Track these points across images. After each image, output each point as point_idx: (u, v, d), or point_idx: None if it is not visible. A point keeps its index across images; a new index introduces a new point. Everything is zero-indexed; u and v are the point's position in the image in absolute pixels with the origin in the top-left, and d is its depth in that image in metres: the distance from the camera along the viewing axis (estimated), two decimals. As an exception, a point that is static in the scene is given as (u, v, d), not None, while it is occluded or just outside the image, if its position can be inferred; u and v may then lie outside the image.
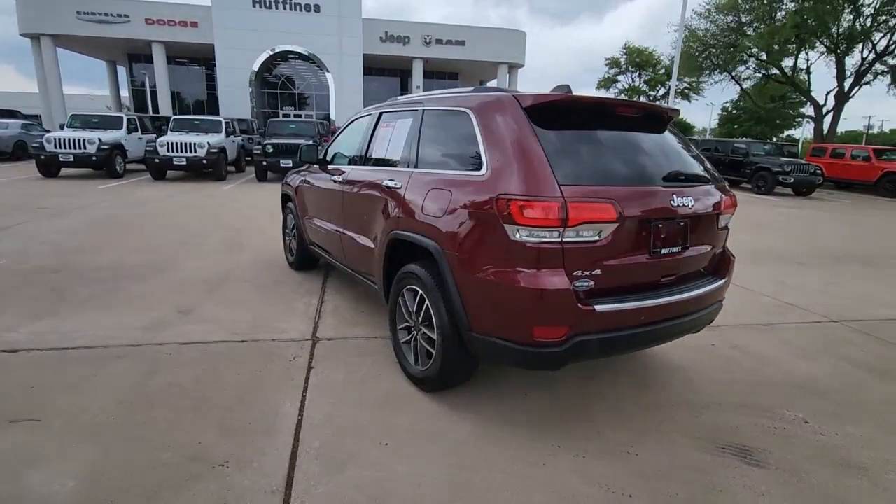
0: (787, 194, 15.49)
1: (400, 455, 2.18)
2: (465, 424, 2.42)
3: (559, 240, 2.02)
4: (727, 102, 40.17)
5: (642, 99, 35.32)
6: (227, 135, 13.76)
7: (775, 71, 23.41)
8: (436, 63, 37.95)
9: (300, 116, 34.84)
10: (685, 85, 31.42)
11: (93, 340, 3.17)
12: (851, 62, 21.54)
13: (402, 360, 2.86)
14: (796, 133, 46.46)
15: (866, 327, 3.99)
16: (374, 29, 33.73)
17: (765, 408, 2.70)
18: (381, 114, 3.41)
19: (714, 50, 22.96)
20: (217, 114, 31.57)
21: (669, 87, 32.75)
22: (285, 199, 5.17)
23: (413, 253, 2.75)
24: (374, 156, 3.32)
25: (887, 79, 21.35)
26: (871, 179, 17.21)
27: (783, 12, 20.37)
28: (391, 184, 2.88)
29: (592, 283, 2.11)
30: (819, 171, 15.57)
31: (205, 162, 12.32)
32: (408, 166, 2.86)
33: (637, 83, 33.44)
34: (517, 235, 2.06)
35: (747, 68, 24.39)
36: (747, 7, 20.96)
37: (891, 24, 18.89)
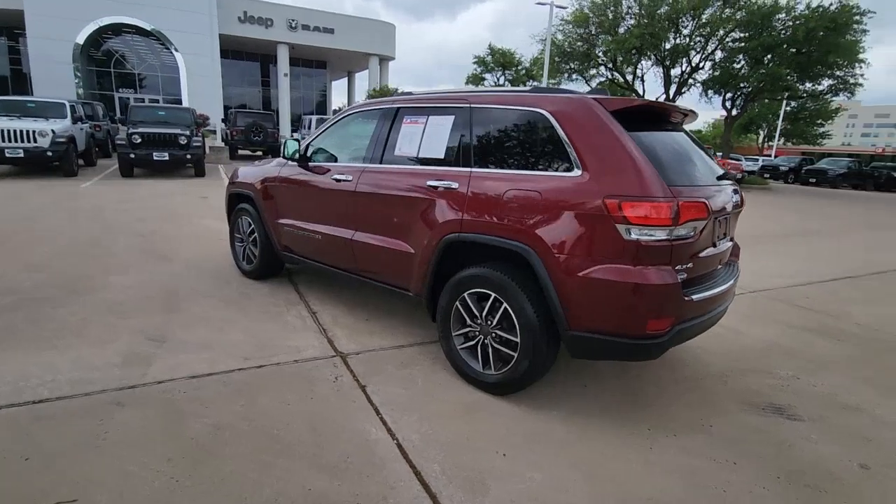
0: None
1: (525, 463, 2.14)
2: (555, 423, 2.46)
3: (669, 237, 2.17)
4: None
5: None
6: (74, 121, 11.44)
7: (619, 77, 26.87)
8: (303, 50, 36.01)
9: (143, 101, 30.40)
10: (545, 86, 34.38)
11: (63, 388, 2.49)
12: (675, 73, 25.68)
13: (462, 366, 2.77)
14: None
15: (776, 295, 4.92)
16: (231, 6, 30.68)
17: (763, 370, 3.21)
18: (398, 109, 3.21)
19: (571, 57, 25.52)
20: (25, 93, 26.00)
21: (529, 85, 35.57)
22: (236, 199, 4.56)
23: (478, 256, 2.68)
24: (400, 154, 3.11)
25: (700, 88, 25.91)
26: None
27: (625, 28, 23.43)
28: (444, 185, 2.75)
29: (686, 275, 2.30)
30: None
31: (49, 154, 10.11)
32: (461, 166, 2.75)
33: (501, 81, 35.60)
34: (631, 235, 2.15)
35: (597, 74, 27.58)
36: (597, 21, 23.65)
37: (702, 43, 22.92)
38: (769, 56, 19.91)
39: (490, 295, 2.57)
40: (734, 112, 25.07)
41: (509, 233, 2.45)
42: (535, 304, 2.41)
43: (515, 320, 2.47)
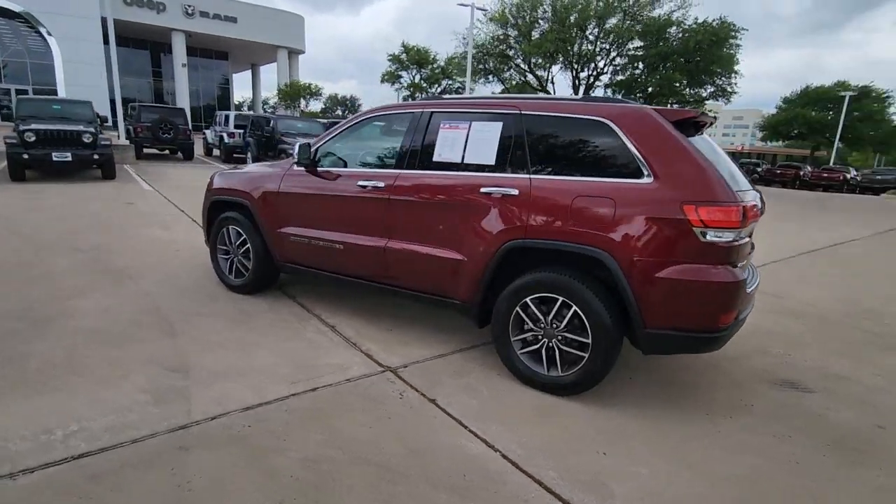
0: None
1: (625, 460, 2.24)
2: (625, 419, 2.59)
3: (735, 238, 2.38)
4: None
5: (420, 96, 37.87)
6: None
7: (532, 78, 28.20)
8: (202, 39, 33.30)
9: (8, 92, 26.33)
10: (458, 84, 35.01)
11: (101, 436, 2.13)
12: (583, 76, 27.53)
13: (523, 370, 2.80)
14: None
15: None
16: (117, -12, 27.45)
17: (760, 349, 3.62)
18: (432, 113, 3.13)
19: (489, 56, 26.31)
20: None
21: (444, 84, 36.03)
22: (220, 208, 4.15)
23: (537, 261, 2.73)
24: (440, 160, 3.04)
25: (604, 91, 28.03)
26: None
27: (538, 32, 24.64)
28: (501, 191, 2.75)
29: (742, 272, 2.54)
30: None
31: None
32: (516, 172, 2.77)
33: (417, 79, 35.70)
34: (706, 237, 2.33)
35: (511, 76, 28.72)
36: (514, 24, 24.62)
37: (607, 50, 24.83)
38: (665, 64, 22.10)
39: (557, 298, 2.63)
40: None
41: (583, 238, 2.53)
42: (606, 305, 2.51)
43: (586, 322, 2.56)
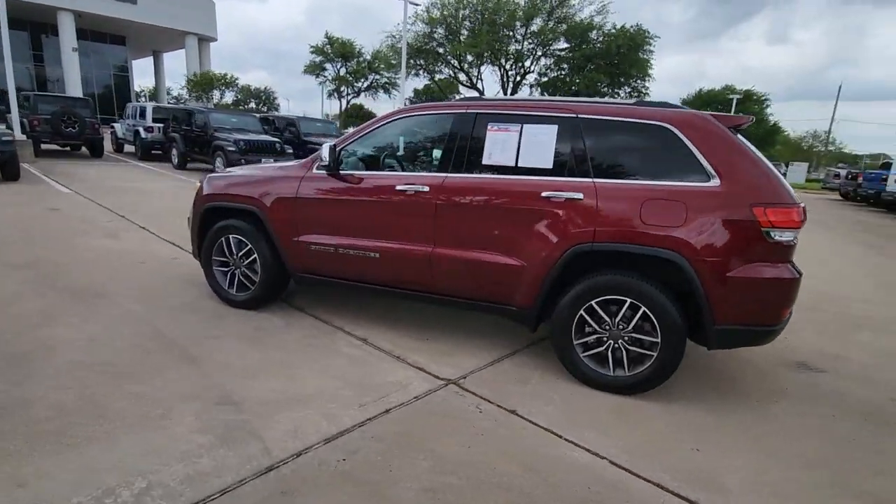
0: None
1: (718, 455, 2.33)
2: (695, 413, 2.69)
3: (794, 238, 2.55)
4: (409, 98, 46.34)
5: (346, 88, 36.83)
6: None
7: (464, 76, 28.55)
8: (95, 21, 29.78)
9: None
10: (385, 79, 34.53)
11: (183, 491, 1.82)
12: (511, 74, 28.35)
13: (587, 372, 2.82)
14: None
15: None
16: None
17: (761, 336, 3.94)
18: (476, 115, 3.03)
19: (419, 53, 26.22)
20: None
21: (371, 78, 35.33)
22: (216, 215, 3.73)
23: (601, 264, 2.75)
24: (491, 163, 2.95)
25: (532, 90, 29.09)
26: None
27: (467, 31, 24.98)
28: (565, 196, 2.73)
29: (792, 269, 2.74)
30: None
31: None
32: (577, 177, 2.76)
33: (343, 73, 34.66)
34: (773, 237, 2.48)
35: (440, 71, 28.86)
36: (444, 23, 24.74)
37: (534, 50, 25.78)
38: (588, 65, 23.41)
39: (625, 300, 2.67)
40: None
41: (655, 241, 2.58)
42: (676, 305, 2.60)
43: (656, 322, 2.62)
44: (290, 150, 12.42)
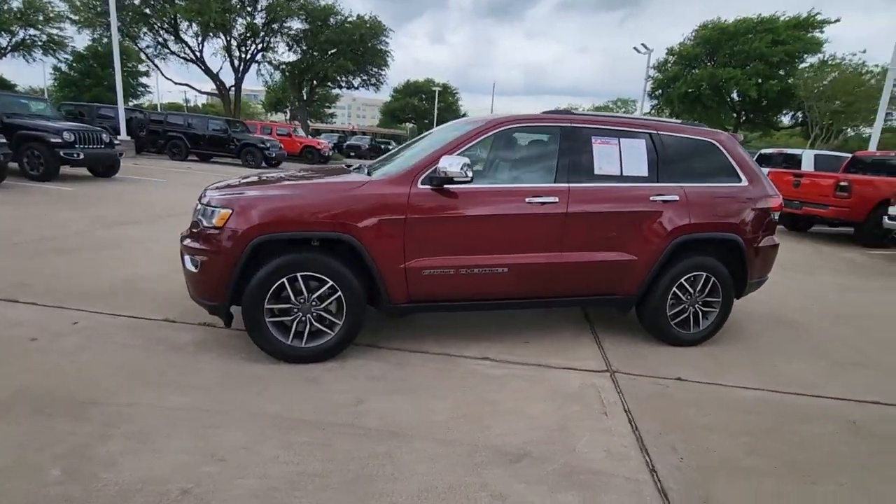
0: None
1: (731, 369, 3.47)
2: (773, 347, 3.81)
3: (778, 218, 3.86)
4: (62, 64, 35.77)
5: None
6: None
7: (176, 46, 24.13)
8: None
9: None
10: (48, 36, 26.07)
11: None
12: (238, 51, 25.59)
13: (677, 332, 3.58)
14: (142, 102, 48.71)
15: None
16: None
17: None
18: (581, 128, 3.30)
19: (122, 11, 20.77)
20: None
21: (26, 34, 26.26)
22: (271, 251, 2.81)
23: (691, 250, 3.52)
24: (601, 173, 3.28)
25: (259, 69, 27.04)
26: (294, 151, 22.38)
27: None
28: (666, 198, 3.36)
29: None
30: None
31: None
32: (668, 181, 3.42)
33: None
34: (773, 217, 3.73)
35: (146, 33, 23.70)
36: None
37: (266, 27, 23.88)
38: (334, 51, 23.33)
39: (702, 274, 3.54)
40: (305, 95, 27.69)
41: (724, 227, 3.50)
42: (730, 272, 3.62)
43: (720, 286, 3.59)
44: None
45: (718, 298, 3.61)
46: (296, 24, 23.51)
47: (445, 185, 3.01)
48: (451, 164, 2.89)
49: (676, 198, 3.40)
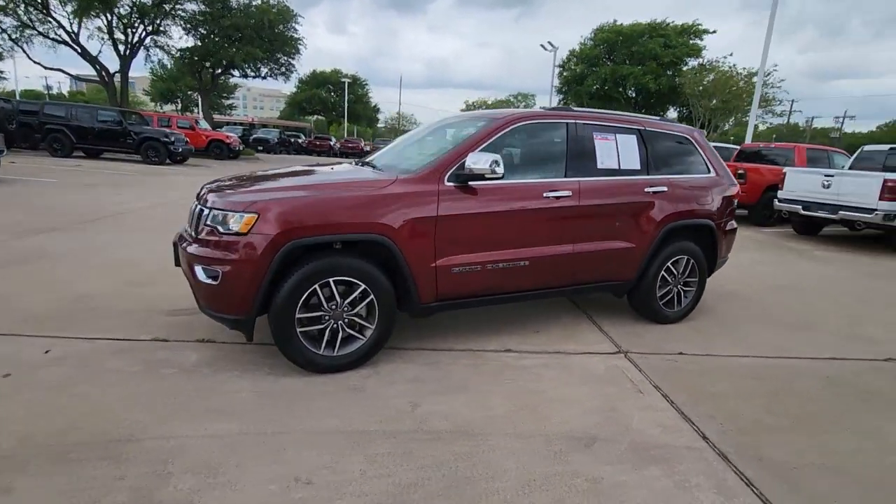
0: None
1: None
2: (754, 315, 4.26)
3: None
4: None
5: None
6: None
7: (43, 25, 20.97)
8: None
9: None
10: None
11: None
12: (122, 35, 22.84)
13: (666, 311, 3.93)
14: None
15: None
16: None
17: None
18: (584, 124, 3.47)
19: None
20: None
21: None
22: (300, 257, 2.64)
23: (676, 236, 3.85)
24: (603, 167, 3.47)
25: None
26: (200, 146, 20.59)
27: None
28: (657, 189, 3.65)
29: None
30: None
31: None
32: (651, 174, 3.71)
33: None
34: (734, 204, 4.21)
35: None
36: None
37: (155, 10, 21.51)
38: (240, 37, 21.66)
39: (684, 257, 3.91)
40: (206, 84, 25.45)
41: (701, 214, 3.89)
42: (706, 254, 4.04)
43: (697, 267, 4.00)
44: None
45: (696, 278, 4.01)
46: (191, 6, 21.50)
47: (470, 182, 3.02)
48: (479, 161, 2.90)
49: (665, 189, 3.71)
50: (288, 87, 48.49)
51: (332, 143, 38.31)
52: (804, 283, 5.73)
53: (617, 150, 3.60)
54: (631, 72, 26.02)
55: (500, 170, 2.92)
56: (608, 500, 1.93)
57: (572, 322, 3.92)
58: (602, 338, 3.64)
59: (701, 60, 26.85)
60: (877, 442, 2.49)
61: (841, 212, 8.05)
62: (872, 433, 2.57)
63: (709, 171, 4.06)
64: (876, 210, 7.80)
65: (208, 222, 2.68)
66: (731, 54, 48.28)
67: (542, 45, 27.39)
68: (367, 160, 3.85)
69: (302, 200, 2.67)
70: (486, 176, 2.92)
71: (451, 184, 2.98)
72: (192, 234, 2.82)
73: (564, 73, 29.98)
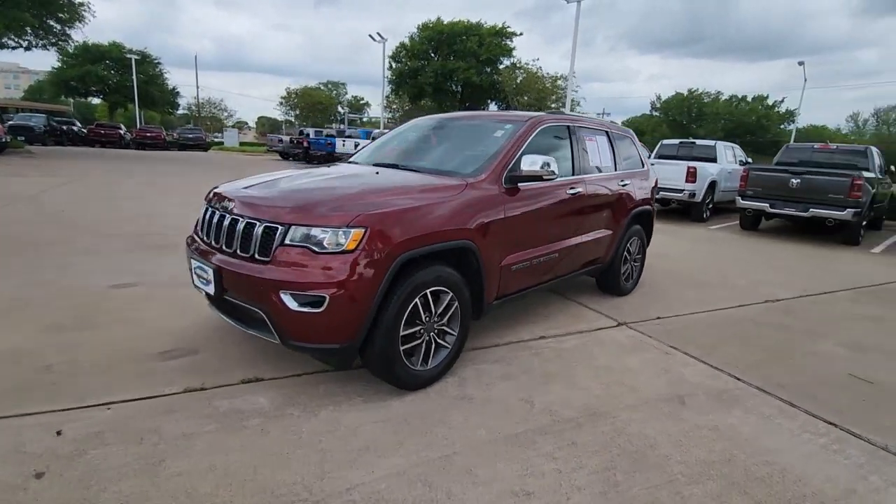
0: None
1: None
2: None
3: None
4: None
5: None
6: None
7: None
8: None
9: None
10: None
11: (805, 417, 2.65)
12: None
13: (630, 286, 4.69)
14: None
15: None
16: None
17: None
18: (579, 127, 3.89)
19: None
20: None
21: None
22: (408, 268, 2.49)
23: (634, 222, 4.58)
24: (591, 165, 3.94)
25: None
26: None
27: None
28: (627, 182, 4.31)
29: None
30: None
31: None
32: (622, 169, 4.36)
33: None
34: (658, 191, 5.16)
35: None
36: None
37: None
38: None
39: (636, 238, 4.70)
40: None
41: (647, 202, 4.70)
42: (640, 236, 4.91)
43: (642, 246, 4.84)
44: None
45: (641, 255, 4.85)
46: None
47: (519, 183, 3.17)
48: (534, 163, 3.08)
49: (629, 182, 4.40)
50: (35, 61, 38.41)
51: (122, 133, 32.06)
52: (728, 254, 7.26)
53: (598, 149, 4.13)
54: (457, 66, 28.10)
55: (555, 170, 3.14)
56: (734, 441, 2.39)
57: (564, 306, 4.36)
58: (598, 315, 4.17)
59: (513, 60, 30.41)
60: (820, 357, 3.51)
61: (662, 192, 10.24)
62: (815, 353, 3.60)
63: (643, 166, 4.91)
64: (684, 190, 10.21)
65: (290, 241, 2.31)
66: (538, 59, 55.04)
67: (370, 36, 27.42)
68: (367, 161, 3.66)
69: (402, 210, 2.50)
70: (545, 177, 3.11)
71: (507, 185, 3.09)
72: (248, 254, 2.40)
73: (396, 66, 30.66)
